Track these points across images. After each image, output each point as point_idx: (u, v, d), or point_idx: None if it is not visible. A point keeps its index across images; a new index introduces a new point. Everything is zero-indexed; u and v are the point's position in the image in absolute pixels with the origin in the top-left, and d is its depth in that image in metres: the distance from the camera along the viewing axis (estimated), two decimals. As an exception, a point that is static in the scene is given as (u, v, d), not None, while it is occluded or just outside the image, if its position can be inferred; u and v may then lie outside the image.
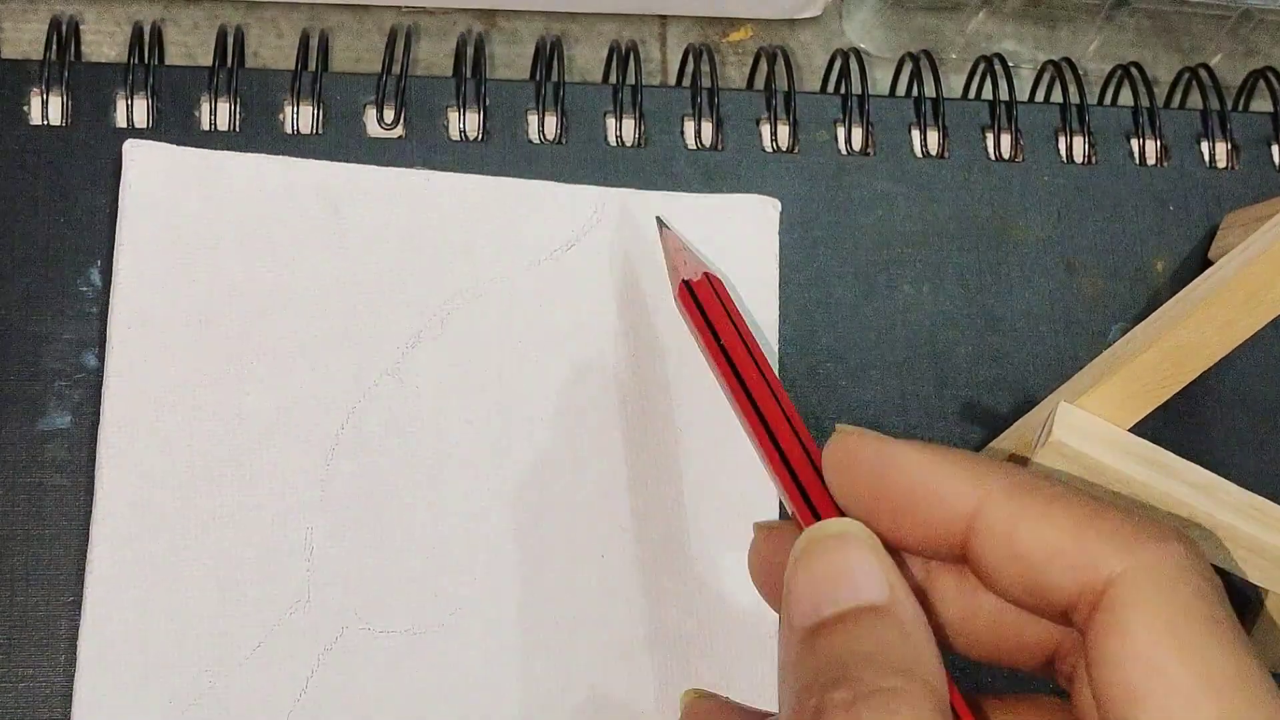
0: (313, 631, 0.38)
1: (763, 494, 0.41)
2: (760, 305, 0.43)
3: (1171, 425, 0.45)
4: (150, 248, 0.40)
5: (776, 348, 0.43)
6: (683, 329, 0.39)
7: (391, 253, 0.41)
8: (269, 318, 0.40)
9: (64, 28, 0.43)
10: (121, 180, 0.40)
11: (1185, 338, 0.37)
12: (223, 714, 0.37)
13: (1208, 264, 0.47)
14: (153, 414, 0.39)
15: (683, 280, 0.38)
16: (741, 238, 0.43)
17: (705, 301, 0.36)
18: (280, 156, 0.42)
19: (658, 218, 0.41)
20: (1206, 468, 0.38)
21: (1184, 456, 0.38)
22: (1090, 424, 0.38)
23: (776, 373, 0.33)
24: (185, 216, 0.40)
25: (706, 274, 0.38)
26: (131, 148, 0.40)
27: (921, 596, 0.29)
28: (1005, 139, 0.47)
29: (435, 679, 0.38)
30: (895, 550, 0.29)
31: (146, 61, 0.43)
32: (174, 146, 0.41)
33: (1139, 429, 0.38)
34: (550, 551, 0.40)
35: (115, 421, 0.38)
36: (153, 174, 0.40)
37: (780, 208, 0.44)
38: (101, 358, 0.40)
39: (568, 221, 0.42)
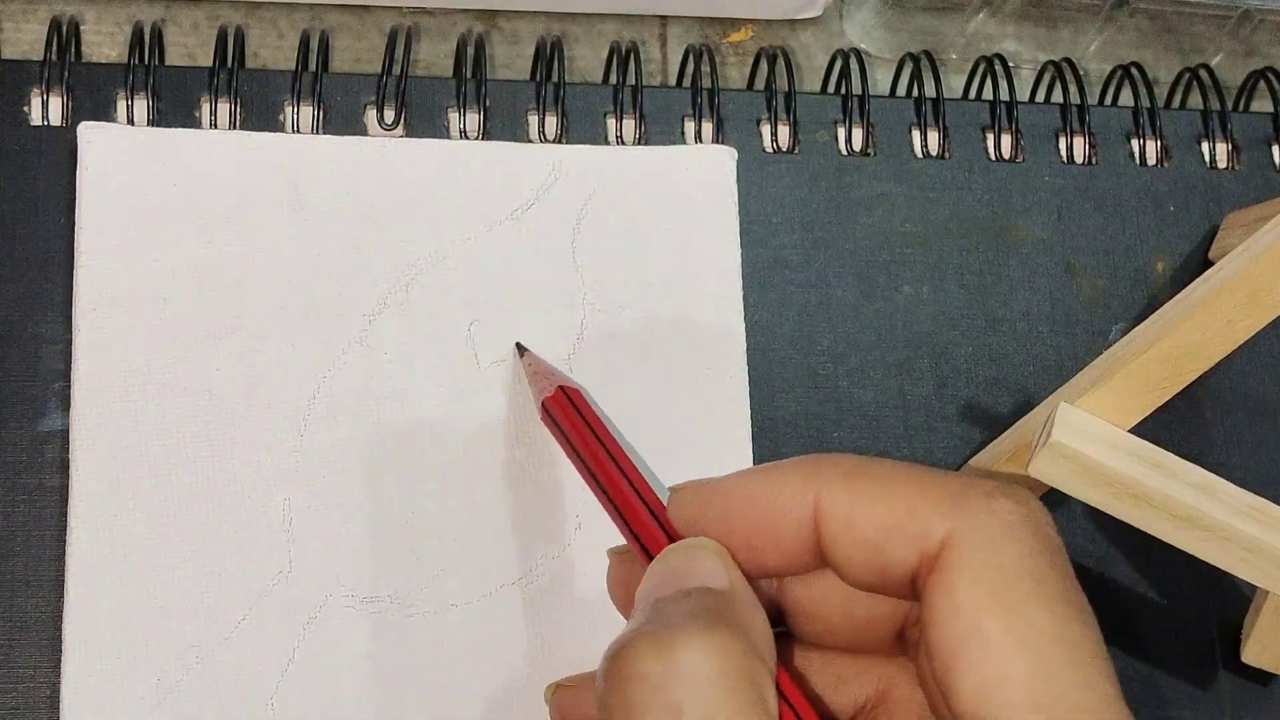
0: (296, 602, 0.38)
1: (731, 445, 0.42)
2: (721, 254, 0.43)
3: (1171, 425, 0.45)
4: (111, 228, 0.40)
5: (740, 294, 0.43)
6: (647, 275, 0.42)
7: (352, 221, 0.41)
8: (234, 293, 0.40)
9: (64, 28, 0.43)
10: (78, 163, 0.40)
11: (1185, 338, 0.37)
12: (210, 689, 0.37)
13: (1208, 264, 0.47)
14: (123, 393, 0.39)
15: (541, 400, 0.38)
16: (699, 188, 0.44)
17: (565, 412, 0.37)
18: (236, 131, 0.42)
19: (517, 344, 0.41)
20: (1206, 468, 0.38)
21: (1184, 457, 0.38)
22: (1090, 425, 0.38)
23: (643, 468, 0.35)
24: (144, 196, 0.40)
25: (562, 387, 0.37)
26: (86, 130, 0.41)
27: (772, 600, 0.30)
28: (1005, 139, 0.47)
29: (420, 644, 0.39)
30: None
31: (146, 62, 0.43)
32: (129, 127, 0.41)
33: (1139, 430, 0.38)
34: (526, 513, 0.40)
35: (85, 401, 0.39)
36: (110, 155, 0.40)
37: (736, 156, 0.44)
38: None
39: (526, 181, 0.43)
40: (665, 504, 0.32)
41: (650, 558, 0.31)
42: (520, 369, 0.40)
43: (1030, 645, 0.25)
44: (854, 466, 0.28)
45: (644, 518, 0.32)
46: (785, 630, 0.31)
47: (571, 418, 0.36)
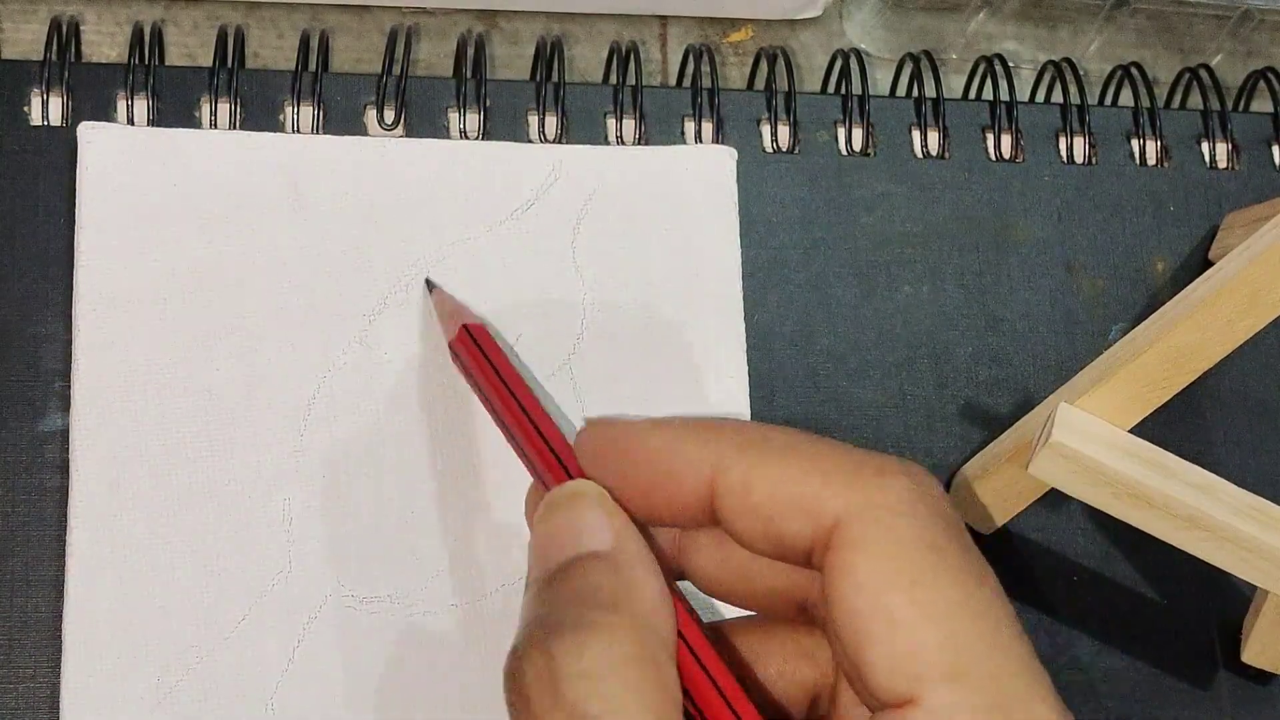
0: (296, 602, 0.38)
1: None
2: (721, 254, 0.43)
3: (1171, 426, 0.45)
4: (111, 228, 0.40)
5: (740, 294, 0.43)
6: (647, 275, 0.42)
7: (353, 222, 0.41)
8: (233, 293, 0.40)
9: (64, 28, 0.43)
10: (79, 163, 0.40)
11: (1185, 338, 0.37)
12: (210, 689, 0.37)
13: (1208, 264, 0.47)
14: (122, 393, 0.39)
15: (449, 341, 0.38)
16: (699, 188, 0.44)
17: (470, 353, 0.37)
18: (236, 131, 0.42)
19: (426, 279, 0.41)
20: (1206, 468, 0.38)
21: (1184, 457, 0.38)
22: (1090, 425, 0.38)
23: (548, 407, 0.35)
24: (144, 196, 0.40)
25: (465, 325, 0.38)
26: (86, 130, 0.41)
27: (672, 551, 0.30)
28: (1005, 139, 0.47)
29: (420, 644, 0.39)
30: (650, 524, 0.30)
31: (147, 62, 0.43)
32: (129, 127, 0.41)
33: (1139, 430, 0.38)
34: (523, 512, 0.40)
35: (85, 401, 0.39)
36: (110, 155, 0.40)
37: (736, 156, 0.44)
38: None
39: (526, 181, 0.43)
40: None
41: None
42: (435, 305, 0.40)
43: (936, 616, 0.25)
44: (753, 435, 0.28)
45: (548, 459, 0.32)
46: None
47: (476, 357, 0.36)
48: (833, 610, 0.26)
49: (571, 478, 0.31)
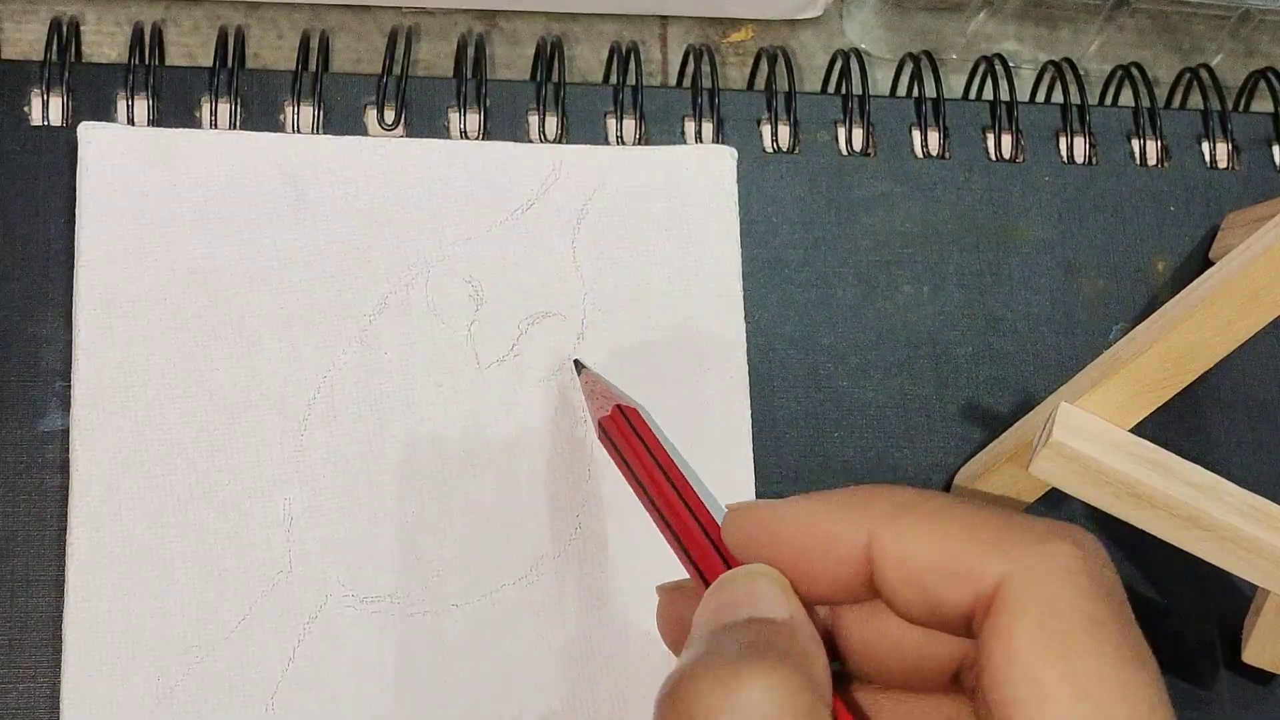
0: (296, 602, 0.38)
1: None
2: (721, 254, 0.43)
3: (1171, 425, 0.45)
4: (112, 229, 0.40)
5: (740, 294, 0.43)
6: (647, 275, 0.42)
7: (353, 221, 0.41)
8: (233, 293, 0.40)
9: (64, 28, 0.43)
10: (79, 163, 0.40)
11: (1186, 338, 0.37)
12: (211, 689, 0.37)
13: (1208, 264, 0.47)
14: (123, 393, 0.39)
15: (599, 420, 0.38)
16: (699, 188, 0.44)
17: (622, 432, 0.37)
18: (236, 132, 0.42)
19: (575, 360, 0.41)
20: (1206, 468, 0.38)
21: (1184, 457, 0.38)
22: (1091, 425, 0.38)
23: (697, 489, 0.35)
24: (144, 196, 0.40)
25: (619, 406, 0.37)
26: (86, 130, 0.41)
27: (826, 633, 0.30)
28: (1006, 139, 0.47)
29: (420, 644, 0.39)
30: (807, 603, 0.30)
31: (147, 62, 0.43)
32: (129, 127, 0.41)
33: (1139, 430, 0.38)
34: (526, 513, 0.40)
35: (85, 401, 0.39)
36: (110, 155, 0.40)
37: (736, 156, 0.44)
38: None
39: (526, 181, 0.43)
40: (720, 524, 0.31)
41: (707, 583, 0.30)
42: (579, 386, 0.40)
43: (1088, 695, 0.25)
44: (906, 500, 0.28)
45: (701, 542, 0.32)
46: (840, 669, 0.31)
47: (628, 438, 0.36)
48: (984, 676, 0.26)
49: (726, 562, 0.31)
